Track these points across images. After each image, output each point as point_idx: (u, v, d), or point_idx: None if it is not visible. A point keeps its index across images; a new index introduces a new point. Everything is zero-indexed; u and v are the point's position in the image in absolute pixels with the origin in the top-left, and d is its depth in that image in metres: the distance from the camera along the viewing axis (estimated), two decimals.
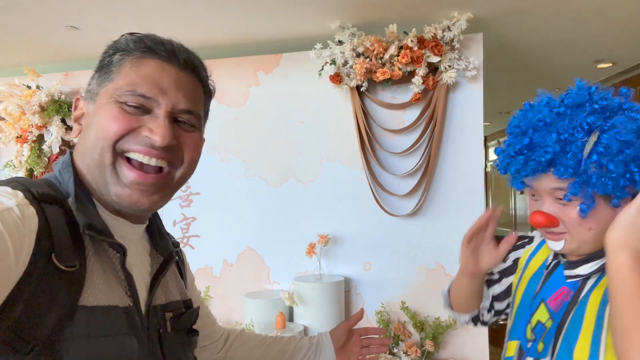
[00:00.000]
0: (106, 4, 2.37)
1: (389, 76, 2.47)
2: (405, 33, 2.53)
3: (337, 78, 2.55)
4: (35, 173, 3.21)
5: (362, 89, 2.59)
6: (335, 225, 2.78)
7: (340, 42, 2.59)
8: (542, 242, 1.12)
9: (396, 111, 2.70)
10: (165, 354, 0.76)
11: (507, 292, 1.16)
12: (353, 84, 2.57)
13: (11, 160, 3.26)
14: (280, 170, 2.89)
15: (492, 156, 6.39)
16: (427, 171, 2.58)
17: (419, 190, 2.63)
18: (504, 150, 0.96)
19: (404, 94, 2.70)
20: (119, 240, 0.70)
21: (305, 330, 2.55)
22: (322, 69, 2.59)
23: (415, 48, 2.45)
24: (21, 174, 3.28)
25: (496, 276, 1.18)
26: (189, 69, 0.76)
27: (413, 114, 2.68)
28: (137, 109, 0.70)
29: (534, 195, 0.95)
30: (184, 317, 0.83)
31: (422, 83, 2.50)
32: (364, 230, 2.76)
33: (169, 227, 3.02)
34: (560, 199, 0.88)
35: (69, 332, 0.59)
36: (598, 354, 0.84)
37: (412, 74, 2.54)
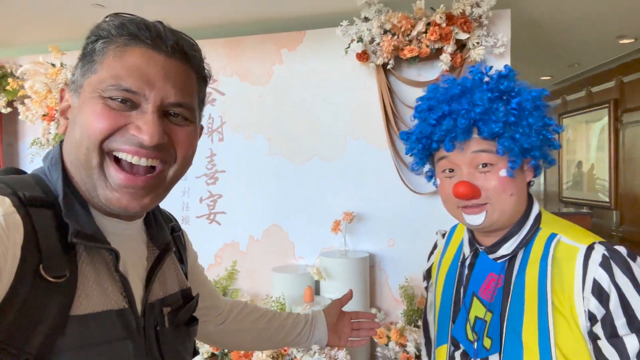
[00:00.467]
0: None
1: (416, 53, 2.47)
2: (433, 9, 2.51)
3: (364, 56, 2.55)
4: None
5: (388, 67, 2.59)
6: (359, 203, 2.82)
7: (367, 19, 2.58)
8: (449, 240, 1.13)
9: (422, 89, 2.69)
10: (162, 351, 0.73)
11: None
12: (379, 61, 2.57)
13: (38, 138, 3.31)
14: (304, 149, 2.92)
15: None
16: None
17: None
18: (422, 124, 0.94)
19: (430, 72, 2.70)
20: (112, 239, 0.67)
21: None
22: (349, 46, 2.58)
23: (444, 25, 2.44)
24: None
25: (424, 283, 1.21)
26: (179, 55, 0.69)
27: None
28: (123, 103, 0.64)
29: (449, 171, 0.93)
30: (183, 311, 0.80)
31: (450, 60, 2.50)
32: (388, 208, 2.80)
33: (195, 204, 3.10)
34: (481, 167, 0.88)
35: (61, 344, 0.57)
36: (548, 332, 0.83)
37: (439, 51, 2.53)
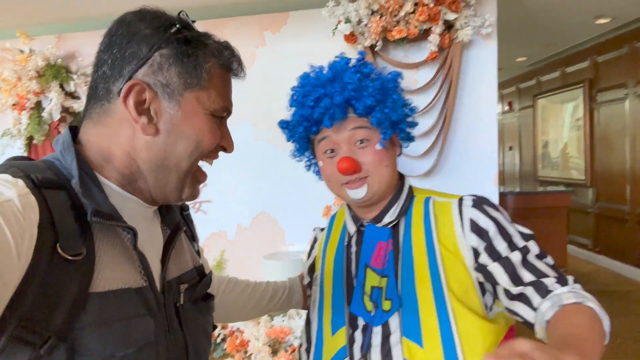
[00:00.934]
0: None
1: (405, 35, 2.43)
2: None
3: (352, 37, 2.50)
4: (36, 141, 3.12)
5: (376, 49, 2.55)
6: None
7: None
8: (330, 229, 1.17)
9: (409, 71, 2.67)
10: (184, 327, 0.75)
11: None
12: (367, 43, 2.52)
13: (9, 129, 3.15)
14: None
15: None
16: (443, 131, 2.60)
17: (434, 151, 2.65)
18: (300, 109, 1.00)
19: (417, 54, 2.67)
20: (129, 219, 0.68)
21: None
22: (336, 27, 2.53)
23: (432, 5, 2.40)
24: (20, 142, 3.19)
25: (307, 279, 1.23)
26: None
27: (426, 73, 2.66)
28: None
29: (331, 151, 0.99)
30: (200, 286, 0.83)
31: (438, 41, 2.47)
32: None
33: None
34: (359, 143, 0.97)
35: (82, 321, 0.58)
36: (439, 278, 0.93)
37: (426, 32, 2.50)
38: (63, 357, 0.56)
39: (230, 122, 0.78)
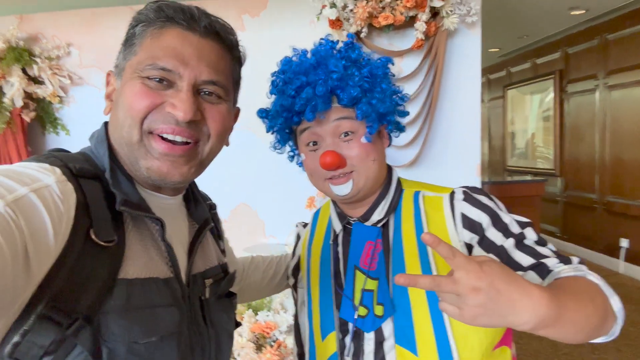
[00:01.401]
0: None
1: (391, 21, 2.37)
2: None
3: (337, 23, 2.43)
4: None
5: (362, 35, 2.48)
6: None
7: None
8: (314, 226, 1.11)
9: (394, 59, 2.62)
10: (207, 321, 0.76)
11: None
12: (353, 29, 2.45)
13: None
14: None
15: None
16: (427, 121, 2.57)
17: (418, 141, 2.62)
18: (281, 98, 0.93)
19: (401, 41, 2.62)
20: (157, 212, 0.70)
21: None
22: (321, 12, 2.44)
23: None
24: None
25: (292, 280, 1.15)
26: (212, 36, 0.73)
27: (410, 61, 2.61)
28: (160, 82, 0.69)
29: (313, 144, 0.92)
30: (224, 282, 0.83)
31: (425, 29, 2.43)
32: None
33: None
34: (343, 135, 0.90)
35: (109, 306, 0.60)
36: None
37: (412, 19, 2.45)
38: (88, 340, 0.57)
39: None
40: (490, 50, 6.12)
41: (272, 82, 0.96)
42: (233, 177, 2.83)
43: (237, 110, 0.85)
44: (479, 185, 2.74)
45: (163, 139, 0.69)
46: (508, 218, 0.87)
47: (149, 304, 0.64)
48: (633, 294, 4.09)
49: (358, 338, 0.91)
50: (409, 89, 2.60)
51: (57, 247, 0.56)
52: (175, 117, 0.68)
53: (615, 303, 0.72)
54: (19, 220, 0.51)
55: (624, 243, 4.50)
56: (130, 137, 0.68)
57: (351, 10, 2.41)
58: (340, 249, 1.00)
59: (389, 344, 0.88)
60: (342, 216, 1.01)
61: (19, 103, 2.84)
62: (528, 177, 5.82)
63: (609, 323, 0.71)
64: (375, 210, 0.95)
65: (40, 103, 2.94)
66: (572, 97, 5.34)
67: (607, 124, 4.73)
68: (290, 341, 2.15)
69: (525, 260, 0.81)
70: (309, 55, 0.93)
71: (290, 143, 1.02)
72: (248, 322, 2.22)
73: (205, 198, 0.93)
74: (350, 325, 0.92)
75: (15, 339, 0.53)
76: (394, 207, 0.95)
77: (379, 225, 0.94)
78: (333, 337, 0.95)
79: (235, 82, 0.80)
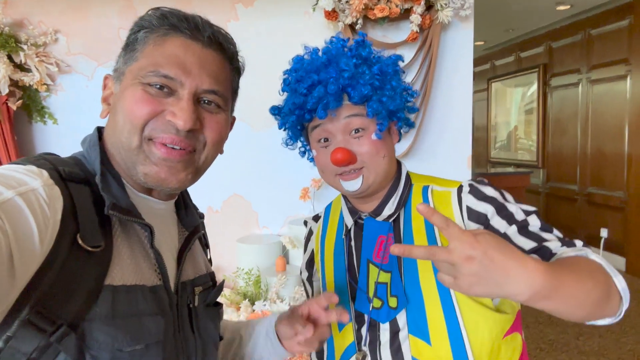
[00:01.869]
0: None
1: (387, 13, 2.38)
2: None
3: (333, 14, 2.42)
4: None
5: (357, 27, 2.48)
6: None
7: None
8: (326, 221, 1.12)
9: (388, 51, 2.63)
10: (195, 330, 0.76)
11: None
12: (348, 21, 2.45)
13: None
14: (267, 114, 2.76)
15: None
16: (420, 113, 2.59)
17: (411, 132, 2.65)
18: (293, 96, 0.94)
19: (395, 33, 2.63)
20: (147, 217, 0.69)
21: None
22: (317, 3, 2.44)
23: None
24: None
25: (305, 274, 1.16)
26: (215, 46, 0.74)
27: (404, 54, 2.62)
28: (160, 89, 0.69)
29: (324, 140, 0.93)
30: (214, 291, 0.82)
31: (420, 21, 2.44)
32: None
33: None
34: (354, 132, 0.91)
35: (94, 313, 0.59)
36: None
37: (407, 12, 2.47)
38: (72, 347, 0.56)
39: None
40: (475, 43, 6.19)
41: (284, 80, 0.98)
42: (226, 168, 2.82)
43: (233, 119, 0.87)
44: (469, 177, 2.78)
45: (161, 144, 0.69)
46: (514, 207, 0.89)
47: (134, 312, 0.63)
48: None
49: (374, 329, 0.94)
50: None
51: (43, 251, 0.55)
52: (175, 126, 0.68)
53: (619, 282, 0.72)
54: (4, 224, 0.51)
55: (604, 233, 4.65)
56: (130, 142, 0.68)
57: (347, 2, 2.41)
58: (352, 243, 1.02)
59: (403, 333, 0.90)
60: (353, 211, 1.02)
61: (5, 90, 2.76)
62: (510, 169, 5.93)
63: (614, 302, 0.72)
64: (385, 205, 0.97)
65: (27, 91, 2.87)
66: (555, 90, 5.45)
67: (589, 118, 4.84)
68: None
69: (528, 244, 0.83)
70: (320, 53, 0.95)
71: (302, 139, 1.04)
72: (245, 311, 2.23)
73: (195, 207, 0.92)
74: (366, 317, 0.95)
75: None
76: (404, 202, 0.97)
77: (390, 220, 0.96)
78: (350, 328, 0.98)
79: (233, 92, 0.81)
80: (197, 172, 0.75)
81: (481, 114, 7.42)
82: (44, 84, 2.81)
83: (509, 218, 0.87)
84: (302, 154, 1.07)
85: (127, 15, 2.78)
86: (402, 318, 0.91)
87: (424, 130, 2.68)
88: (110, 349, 0.59)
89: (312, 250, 1.15)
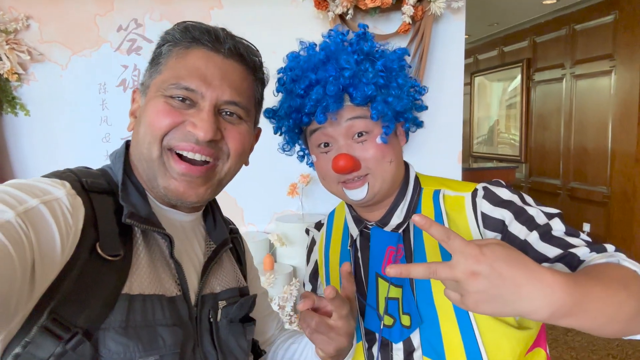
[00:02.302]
0: None
1: (378, 4, 2.31)
2: None
3: (323, 3, 2.34)
4: None
5: (347, 17, 2.40)
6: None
7: None
8: (329, 229, 1.05)
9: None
10: (216, 344, 0.74)
11: None
12: (338, 10, 2.37)
13: None
14: None
15: None
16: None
17: None
18: (289, 98, 0.87)
19: (386, 25, 2.56)
20: (168, 228, 0.70)
21: (294, 270, 2.49)
22: None
23: None
24: None
25: (309, 287, 1.07)
26: (236, 58, 0.74)
27: (395, 46, 2.56)
28: (182, 102, 0.70)
29: (325, 145, 0.86)
30: (236, 306, 0.79)
31: (412, 12, 2.38)
32: None
33: None
34: (357, 136, 0.83)
35: (109, 321, 0.59)
36: None
37: (398, 2, 2.40)
38: (87, 356, 0.56)
39: None
40: None
41: (279, 79, 0.90)
42: None
43: (259, 131, 0.85)
44: (459, 171, 2.74)
45: (182, 157, 0.69)
46: (534, 210, 0.81)
47: (149, 322, 0.63)
48: None
49: (386, 348, 0.87)
50: None
51: (63, 259, 0.56)
52: (195, 136, 0.68)
53: None
54: (28, 231, 0.52)
55: (586, 227, 4.70)
56: (150, 153, 0.69)
57: None
58: (359, 254, 0.94)
59: (418, 354, 0.83)
60: (358, 220, 0.94)
61: None
62: (491, 164, 5.96)
63: None
64: (393, 213, 0.89)
65: None
66: (538, 85, 5.47)
67: (572, 113, 4.87)
68: None
69: (552, 251, 0.74)
70: (317, 49, 0.86)
71: (300, 142, 0.95)
72: None
73: (228, 222, 0.91)
74: (377, 335, 0.87)
75: (17, 350, 0.53)
76: (414, 209, 0.89)
77: (400, 230, 0.88)
78: (360, 348, 0.90)
79: (257, 103, 0.80)
80: (218, 185, 0.75)
81: (464, 108, 7.43)
82: (15, 73, 2.66)
83: (530, 223, 0.79)
84: (301, 158, 0.98)
85: (104, 1, 2.64)
86: (416, 337, 0.83)
87: None
88: (123, 358, 0.59)
89: (316, 262, 1.06)
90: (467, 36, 6.14)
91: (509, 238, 0.80)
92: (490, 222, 0.82)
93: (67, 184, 0.62)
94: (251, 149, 0.80)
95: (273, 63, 2.56)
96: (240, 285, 0.84)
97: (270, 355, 0.98)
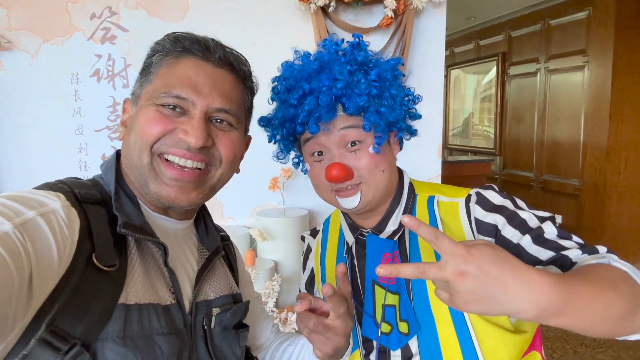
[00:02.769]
0: None
1: None
2: None
3: None
4: None
5: (329, 10, 2.37)
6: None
7: None
8: (325, 236, 1.05)
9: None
10: (211, 351, 0.75)
11: None
12: (320, 3, 2.34)
13: None
14: None
15: None
16: None
17: None
18: (282, 107, 0.87)
19: (368, 18, 2.54)
20: (162, 236, 0.71)
21: (276, 265, 2.47)
22: None
23: None
24: None
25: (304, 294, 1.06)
26: (226, 66, 0.75)
27: (376, 39, 2.55)
28: (173, 110, 0.71)
29: (318, 154, 0.87)
30: (230, 312, 0.80)
31: (394, 6, 2.37)
32: None
33: (96, 163, 2.64)
34: (350, 145, 0.84)
35: (107, 331, 0.60)
36: None
37: None
38: None
39: None
40: None
41: (273, 88, 0.91)
42: None
43: (249, 139, 0.87)
44: (439, 165, 2.76)
45: (172, 164, 0.70)
46: (526, 214, 0.82)
47: (146, 331, 0.64)
48: None
49: (384, 355, 0.88)
50: None
51: (60, 271, 0.56)
52: (187, 143, 0.69)
53: None
54: (26, 243, 0.52)
55: (558, 219, 4.83)
56: (140, 160, 0.70)
57: None
58: (355, 261, 0.94)
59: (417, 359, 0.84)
60: (353, 227, 0.95)
61: None
62: (466, 157, 6.04)
63: None
64: (388, 220, 0.90)
65: None
66: (513, 79, 5.56)
67: (546, 107, 4.97)
68: None
69: (545, 254, 0.76)
70: (311, 58, 0.87)
71: (295, 149, 0.95)
72: None
73: (218, 229, 0.92)
74: (374, 343, 0.88)
75: None
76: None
77: (395, 237, 0.89)
78: (357, 355, 0.91)
79: (247, 111, 0.82)
80: (210, 191, 0.76)
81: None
82: None
83: (522, 226, 0.81)
84: (296, 165, 0.98)
85: None
86: (414, 344, 0.85)
87: None
88: None
89: (312, 269, 1.06)
90: None
91: (502, 242, 0.81)
92: (484, 228, 0.84)
93: (62, 196, 0.62)
94: (242, 157, 0.81)
95: (254, 55, 2.51)
96: (234, 292, 0.84)
97: (268, 358, 0.98)
